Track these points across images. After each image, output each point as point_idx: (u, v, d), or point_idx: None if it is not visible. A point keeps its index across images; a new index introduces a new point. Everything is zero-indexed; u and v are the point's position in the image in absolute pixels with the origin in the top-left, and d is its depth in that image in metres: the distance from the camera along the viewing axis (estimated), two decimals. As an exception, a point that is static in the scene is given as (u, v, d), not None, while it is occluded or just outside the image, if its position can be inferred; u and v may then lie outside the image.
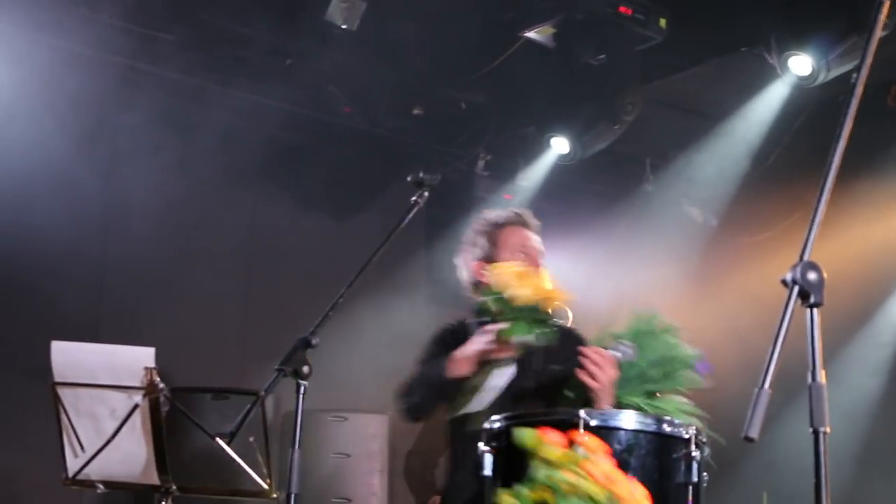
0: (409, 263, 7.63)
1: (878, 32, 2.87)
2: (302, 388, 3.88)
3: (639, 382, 3.98)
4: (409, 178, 4.24)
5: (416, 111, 7.58)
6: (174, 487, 4.16)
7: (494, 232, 4.53)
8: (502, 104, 7.54)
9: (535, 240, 4.51)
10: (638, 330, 4.03)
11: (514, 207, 4.62)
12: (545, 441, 3.11)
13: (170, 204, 7.11)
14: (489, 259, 4.47)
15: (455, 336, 4.46)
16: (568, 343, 4.17)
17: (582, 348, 4.01)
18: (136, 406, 4.09)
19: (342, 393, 7.00)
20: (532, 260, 4.42)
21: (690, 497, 3.31)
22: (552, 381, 4.13)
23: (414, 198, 4.18)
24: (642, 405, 3.93)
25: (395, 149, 7.71)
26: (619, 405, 3.93)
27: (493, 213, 4.60)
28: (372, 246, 4.11)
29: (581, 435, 3.12)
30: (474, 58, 7.20)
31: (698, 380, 4.01)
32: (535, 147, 7.38)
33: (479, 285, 4.46)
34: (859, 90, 2.71)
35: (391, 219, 4.22)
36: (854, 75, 2.72)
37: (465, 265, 4.58)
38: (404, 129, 7.66)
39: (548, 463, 3.08)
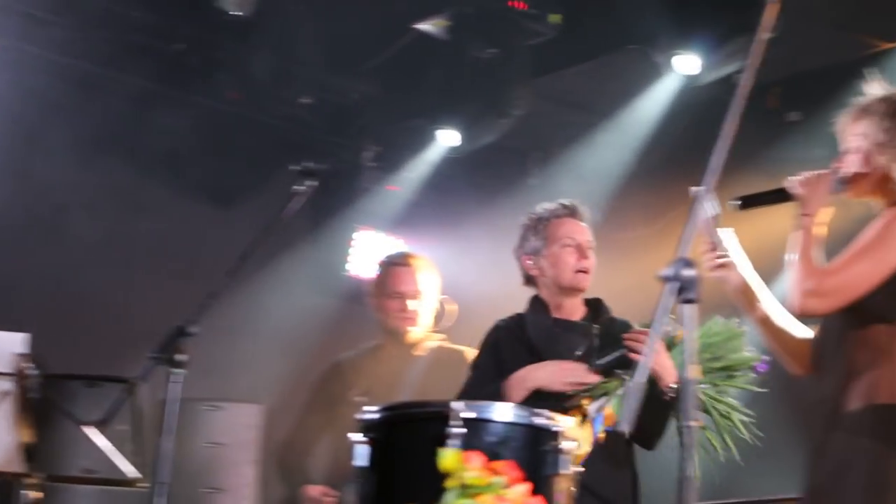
0: (292, 253, 7.59)
1: (764, 34, 2.93)
2: (176, 377, 3.85)
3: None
4: (294, 167, 4.22)
5: (304, 100, 7.52)
6: (42, 476, 4.09)
7: (542, 225, 4.56)
8: (392, 95, 7.53)
9: (585, 231, 4.55)
10: (705, 335, 4.05)
11: (566, 199, 4.65)
12: (466, 465, 3.11)
13: (48, 188, 6.98)
14: (537, 253, 4.50)
15: (512, 335, 4.47)
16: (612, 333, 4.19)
17: (624, 335, 4.05)
18: (4, 392, 4.01)
19: (220, 382, 6.94)
20: (581, 252, 4.46)
21: (561, 489, 3.33)
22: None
23: (298, 187, 4.17)
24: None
25: (283, 137, 7.67)
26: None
27: (542, 206, 4.64)
28: (255, 235, 4.08)
29: (504, 465, 3.13)
30: (366, 48, 7.19)
31: (753, 382, 4.07)
32: (423, 139, 7.40)
33: (530, 279, 4.54)
34: (743, 91, 2.77)
35: (275, 208, 4.20)
36: (739, 76, 2.77)
37: (517, 259, 4.61)
38: (292, 117, 7.62)
39: (465, 487, 3.09)
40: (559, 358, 4.23)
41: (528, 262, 4.54)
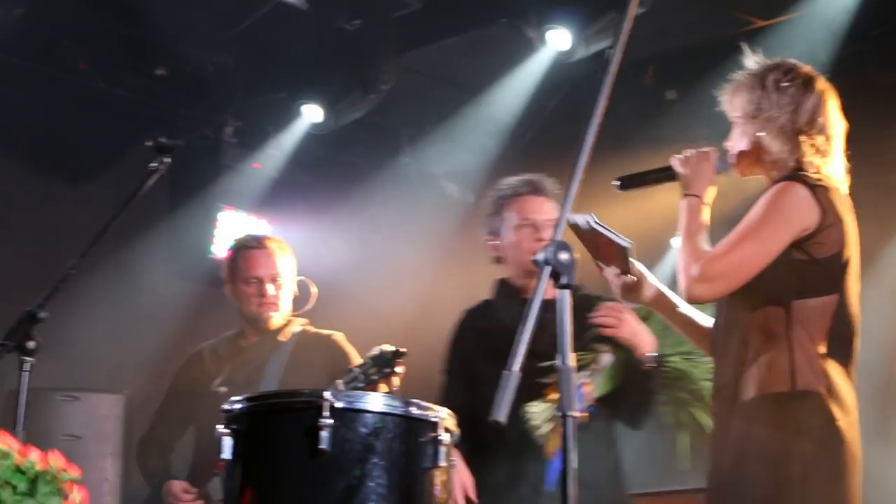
0: (149, 233, 7.46)
1: (635, 9, 2.95)
2: (27, 365, 3.77)
3: (675, 343, 4.04)
4: (148, 143, 4.14)
5: (159, 71, 7.39)
6: None
7: (501, 204, 4.51)
8: (253, 68, 7.44)
9: (546, 208, 4.45)
10: None
11: (529, 175, 4.55)
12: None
13: None
14: (497, 233, 4.48)
15: (478, 326, 4.50)
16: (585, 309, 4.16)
17: (590, 314, 4.04)
18: None
19: (74, 370, 6.82)
20: (536, 231, 4.39)
21: (437, 481, 3.34)
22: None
23: (154, 164, 4.10)
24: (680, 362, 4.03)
25: (136, 111, 7.51)
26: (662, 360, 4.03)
27: (504, 183, 4.57)
28: (107, 212, 4.02)
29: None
30: (224, 17, 7.08)
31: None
32: (286, 114, 7.32)
33: (497, 260, 4.50)
34: (614, 67, 2.77)
35: (131, 186, 4.12)
36: (610, 52, 2.78)
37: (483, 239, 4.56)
38: (146, 89, 7.47)
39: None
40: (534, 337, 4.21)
41: (490, 243, 4.53)
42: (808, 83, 3.55)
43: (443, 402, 4.32)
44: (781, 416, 3.33)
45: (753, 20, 6.66)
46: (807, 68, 3.61)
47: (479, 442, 4.44)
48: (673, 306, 3.76)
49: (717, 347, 3.58)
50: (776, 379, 3.36)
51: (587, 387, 4.09)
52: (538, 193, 4.49)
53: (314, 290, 5.24)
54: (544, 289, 4.18)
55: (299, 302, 5.25)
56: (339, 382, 4.29)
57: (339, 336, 5.13)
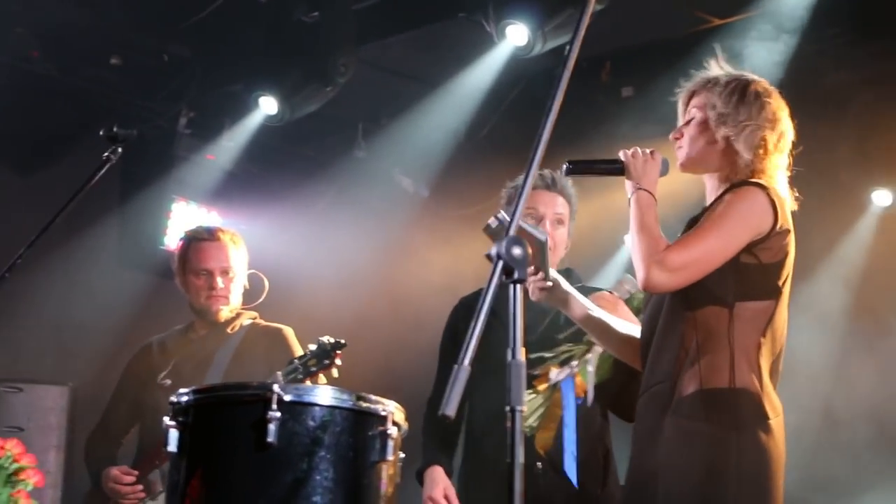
0: (99, 224, 7.42)
1: (593, 5, 2.95)
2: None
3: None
4: (101, 133, 4.12)
5: (113, 60, 7.36)
6: None
7: (512, 196, 4.54)
8: (208, 59, 7.42)
9: (554, 202, 4.55)
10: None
11: (547, 170, 4.56)
12: None
13: None
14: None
15: (472, 312, 4.43)
16: None
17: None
18: None
19: (20, 362, 6.77)
20: (542, 223, 4.47)
21: (384, 475, 3.35)
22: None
23: (106, 154, 4.08)
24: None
25: (90, 100, 7.49)
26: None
27: (519, 177, 4.56)
28: (58, 203, 3.99)
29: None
30: (180, 7, 7.05)
31: None
32: (241, 106, 7.29)
33: None
34: (571, 63, 2.77)
35: (82, 176, 4.11)
36: (567, 47, 2.78)
37: None
38: (100, 79, 7.44)
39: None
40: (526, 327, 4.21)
41: None
42: (782, 104, 3.65)
43: (437, 391, 4.37)
44: (720, 412, 3.39)
45: (710, 18, 6.69)
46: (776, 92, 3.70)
47: (470, 434, 4.49)
48: (599, 320, 3.80)
49: (649, 348, 3.61)
50: (716, 376, 3.41)
51: (579, 378, 4.12)
52: (551, 189, 4.56)
53: (266, 283, 5.23)
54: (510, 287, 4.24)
55: (251, 295, 5.22)
56: (279, 374, 4.29)
57: (287, 331, 5.11)
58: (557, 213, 4.54)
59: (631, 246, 3.54)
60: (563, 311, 3.85)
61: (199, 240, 5.17)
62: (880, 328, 7.00)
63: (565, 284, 3.77)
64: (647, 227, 3.51)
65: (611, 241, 6.41)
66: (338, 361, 4.40)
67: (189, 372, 5.00)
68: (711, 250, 3.43)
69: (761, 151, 3.56)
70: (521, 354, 2.63)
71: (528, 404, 4.06)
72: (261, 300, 5.21)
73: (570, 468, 4.17)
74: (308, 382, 4.41)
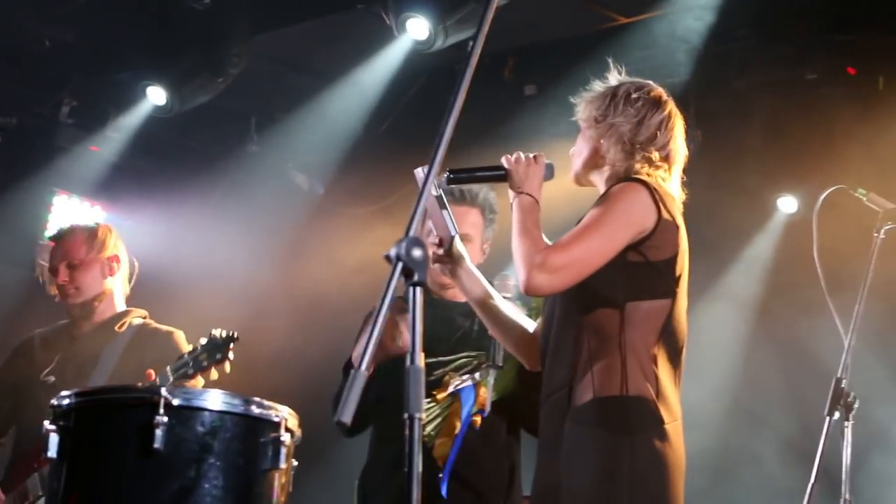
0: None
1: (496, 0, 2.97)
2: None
3: None
4: (-21, 121, 4.04)
5: (-9, 45, 7.22)
6: None
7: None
8: (92, 44, 7.29)
9: (465, 220, 4.40)
10: None
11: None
12: None
13: None
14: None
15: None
16: None
17: None
18: None
19: None
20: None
21: (276, 484, 3.32)
22: None
23: (-17, 142, 4.01)
24: None
25: (-34, 87, 7.34)
26: None
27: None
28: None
29: None
30: (64, -12, 6.94)
31: None
32: (128, 95, 7.19)
33: None
34: (475, 59, 2.78)
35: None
36: (470, 43, 2.79)
37: None
38: (-23, 64, 7.30)
39: None
40: (437, 338, 4.16)
41: None
42: (657, 101, 3.68)
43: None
44: (613, 419, 3.42)
45: (616, 17, 6.75)
46: (660, 90, 3.74)
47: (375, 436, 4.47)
48: (496, 308, 3.81)
49: (546, 354, 3.64)
50: (609, 383, 3.44)
51: (482, 389, 4.12)
52: (460, 203, 4.47)
53: (136, 266, 5.21)
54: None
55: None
56: (168, 368, 4.25)
57: (179, 335, 5.06)
58: (464, 233, 4.34)
59: (512, 249, 3.56)
60: (458, 287, 3.84)
61: (52, 240, 5.22)
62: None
63: (467, 259, 3.78)
64: (527, 230, 3.53)
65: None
66: (230, 356, 4.33)
67: (73, 370, 4.94)
68: (590, 250, 3.44)
69: (631, 149, 3.60)
70: (420, 360, 2.62)
71: (427, 413, 4.06)
72: (131, 284, 5.19)
73: (444, 477, 4.15)
74: (199, 378, 4.36)
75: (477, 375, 4.13)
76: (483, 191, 4.53)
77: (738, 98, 6.69)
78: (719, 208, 6.43)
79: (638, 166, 3.59)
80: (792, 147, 6.75)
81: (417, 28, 6.19)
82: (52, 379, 4.92)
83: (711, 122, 6.52)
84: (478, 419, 4.12)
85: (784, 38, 6.51)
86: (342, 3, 6.74)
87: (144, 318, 5.17)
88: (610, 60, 3.77)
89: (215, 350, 4.35)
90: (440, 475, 4.20)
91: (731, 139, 6.74)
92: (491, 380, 4.14)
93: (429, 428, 4.11)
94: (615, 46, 6.28)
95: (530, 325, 3.81)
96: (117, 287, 5.17)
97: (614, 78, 3.74)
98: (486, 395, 4.14)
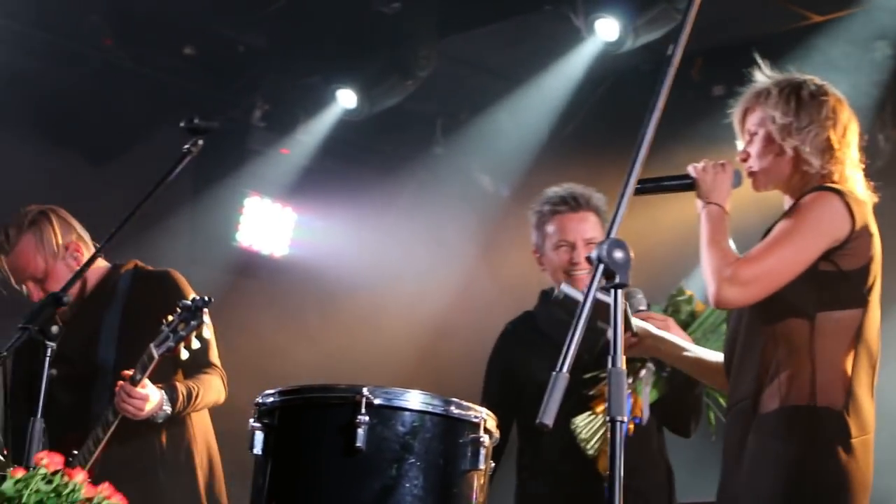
0: (171, 217, 7.46)
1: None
2: (49, 350, 3.75)
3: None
4: (181, 124, 4.13)
5: (187, 50, 7.43)
6: None
7: (540, 221, 4.53)
8: (285, 49, 7.44)
9: (583, 227, 4.45)
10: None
11: (570, 186, 4.52)
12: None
13: None
14: (539, 249, 4.55)
15: (518, 336, 4.61)
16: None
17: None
18: None
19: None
20: (572, 251, 4.43)
21: (475, 485, 3.33)
22: None
23: (187, 146, 4.08)
24: None
25: (162, 90, 7.54)
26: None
27: (545, 195, 4.55)
28: (129, 193, 4.02)
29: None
30: (257, -5, 7.12)
31: None
32: (318, 99, 7.33)
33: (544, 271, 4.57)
34: (677, 59, 2.78)
35: (153, 166, 4.14)
36: (668, 45, 2.78)
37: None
38: (173, 69, 7.50)
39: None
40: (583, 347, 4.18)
41: (535, 255, 4.58)
42: (840, 101, 3.62)
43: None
44: (798, 430, 3.38)
45: (809, 15, 6.63)
46: (831, 87, 3.65)
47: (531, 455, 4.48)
48: (692, 359, 3.82)
49: (732, 365, 3.61)
50: (797, 393, 3.41)
51: (634, 397, 4.11)
52: (577, 210, 4.47)
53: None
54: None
55: None
56: (152, 346, 4.16)
57: (173, 272, 4.87)
58: (587, 238, 4.41)
59: (701, 261, 3.53)
60: (659, 357, 3.86)
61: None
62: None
63: (653, 330, 3.79)
64: (716, 242, 3.49)
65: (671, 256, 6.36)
66: (206, 319, 4.18)
67: (76, 349, 4.65)
68: (782, 262, 3.40)
69: (830, 153, 3.53)
70: (622, 363, 2.63)
71: (588, 426, 4.05)
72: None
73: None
74: (181, 347, 4.20)
75: (630, 384, 4.11)
76: (594, 194, 4.51)
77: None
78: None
79: (832, 169, 3.53)
80: None
81: (607, 29, 6.18)
82: (54, 372, 4.64)
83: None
84: (631, 426, 4.10)
85: None
86: (529, 5, 6.76)
87: (136, 264, 4.93)
88: (756, 56, 3.71)
89: (190, 317, 4.18)
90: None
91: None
92: (647, 388, 4.12)
93: (592, 441, 4.07)
94: (808, 45, 6.17)
95: (717, 355, 3.79)
96: (88, 252, 4.75)
97: (768, 76, 3.67)
98: (643, 402, 4.11)
